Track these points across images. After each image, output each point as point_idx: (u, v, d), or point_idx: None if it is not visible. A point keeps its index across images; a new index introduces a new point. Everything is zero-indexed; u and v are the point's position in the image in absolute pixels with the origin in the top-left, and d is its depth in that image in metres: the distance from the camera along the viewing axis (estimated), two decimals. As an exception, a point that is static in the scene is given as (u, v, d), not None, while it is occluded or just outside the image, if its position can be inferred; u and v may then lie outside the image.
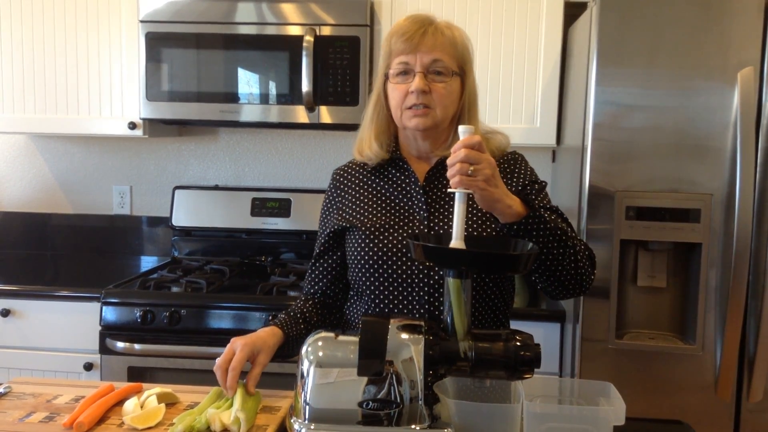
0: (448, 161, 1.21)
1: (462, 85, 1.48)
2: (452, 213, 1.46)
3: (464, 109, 1.50)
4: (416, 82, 1.41)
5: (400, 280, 1.44)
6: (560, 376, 2.29)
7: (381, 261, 1.44)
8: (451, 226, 1.42)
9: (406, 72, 1.43)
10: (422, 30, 1.42)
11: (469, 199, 1.28)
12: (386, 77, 1.48)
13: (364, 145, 1.53)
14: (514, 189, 1.50)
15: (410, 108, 1.43)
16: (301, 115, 2.53)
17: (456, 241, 1.19)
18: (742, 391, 2.05)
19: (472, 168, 1.19)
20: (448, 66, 1.43)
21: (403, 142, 1.55)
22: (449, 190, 1.22)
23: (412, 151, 1.54)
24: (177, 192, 2.93)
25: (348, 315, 1.58)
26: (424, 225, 1.46)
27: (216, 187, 2.97)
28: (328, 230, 1.57)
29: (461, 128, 1.22)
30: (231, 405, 1.32)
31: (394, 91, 1.45)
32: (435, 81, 1.42)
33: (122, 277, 2.57)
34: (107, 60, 2.66)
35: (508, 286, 1.54)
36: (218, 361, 1.35)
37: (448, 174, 1.21)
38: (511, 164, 1.55)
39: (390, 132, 1.54)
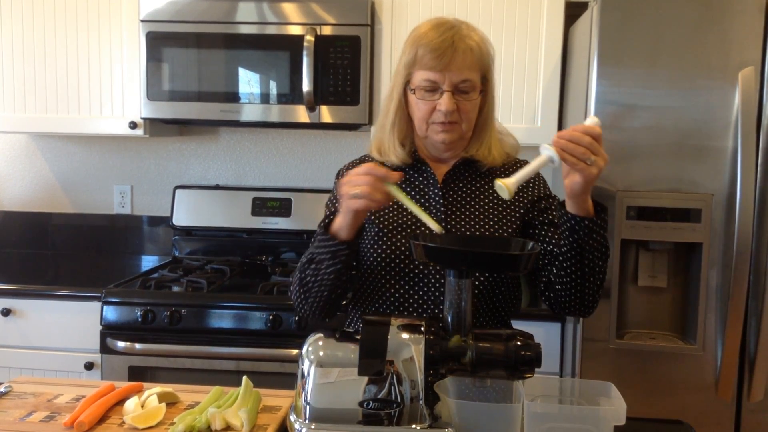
0: (567, 136, 1.23)
1: (485, 94, 1.48)
2: (469, 214, 1.49)
3: (486, 115, 1.51)
4: (446, 103, 1.40)
5: (417, 279, 1.44)
6: (561, 375, 2.29)
7: (399, 259, 1.45)
8: (468, 226, 1.45)
9: (432, 89, 1.42)
10: (453, 48, 1.39)
11: (493, 200, 1.38)
12: (407, 84, 1.47)
13: (388, 150, 1.52)
14: (529, 198, 1.52)
15: (436, 123, 1.44)
16: (301, 114, 2.53)
17: (511, 179, 1.23)
18: (743, 391, 2.05)
19: (594, 158, 1.23)
20: (475, 83, 1.43)
21: (420, 146, 1.55)
22: (544, 146, 1.24)
23: (429, 154, 1.55)
24: (178, 191, 2.93)
25: (360, 311, 1.56)
26: (441, 226, 1.46)
27: (217, 187, 2.97)
28: None
29: (592, 118, 1.27)
30: (232, 404, 1.32)
31: (420, 105, 1.44)
32: (462, 100, 1.42)
33: (123, 276, 2.57)
34: (108, 59, 2.66)
35: (515, 289, 1.54)
36: (361, 183, 1.27)
37: (562, 144, 1.22)
38: None
39: (409, 135, 1.54)
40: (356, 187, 1.27)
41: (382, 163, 1.55)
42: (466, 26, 1.46)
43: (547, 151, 1.24)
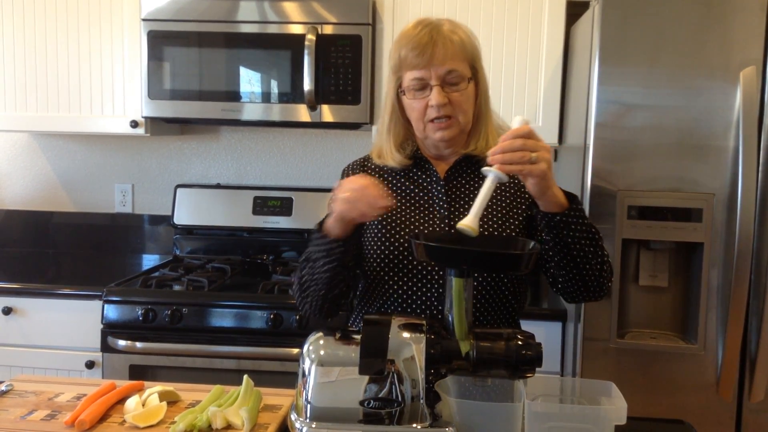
0: (498, 149, 1.22)
1: (476, 84, 1.48)
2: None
3: (481, 105, 1.51)
4: (436, 97, 1.41)
5: (420, 276, 1.44)
6: (562, 375, 2.29)
7: (402, 256, 1.45)
8: None
9: (422, 87, 1.43)
10: (432, 42, 1.40)
11: (496, 197, 1.37)
12: (399, 88, 1.47)
13: (386, 155, 1.53)
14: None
15: (432, 121, 1.44)
16: (302, 113, 2.53)
17: (470, 218, 1.20)
18: (744, 390, 2.05)
19: (534, 155, 1.22)
20: (463, 74, 1.43)
21: (421, 145, 1.55)
22: (485, 169, 1.23)
23: (431, 152, 1.55)
24: (179, 190, 2.93)
25: (364, 309, 1.56)
26: (444, 223, 1.47)
27: (218, 186, 2.97)
28: None
29: (516, 118, 1.25)
30: (233, 403, 1.32)
31: (413, 105, 1.45)
32: (452, 91, 1.43)
33: (124, 275, 2.57)
34: (109, 58, 2.66)
35: (522, 287, 1.54)
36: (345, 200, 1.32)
37: (498, 159, 1.22)
38: None
39: (409, 138, 1.54)
40: (348, 200, 1.31)
41: (382, 168, 1.56)
42: (449, 22, 1.47)
43: (491, 174, 1.22)
